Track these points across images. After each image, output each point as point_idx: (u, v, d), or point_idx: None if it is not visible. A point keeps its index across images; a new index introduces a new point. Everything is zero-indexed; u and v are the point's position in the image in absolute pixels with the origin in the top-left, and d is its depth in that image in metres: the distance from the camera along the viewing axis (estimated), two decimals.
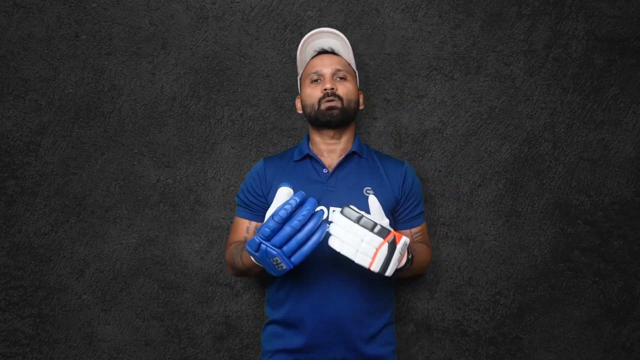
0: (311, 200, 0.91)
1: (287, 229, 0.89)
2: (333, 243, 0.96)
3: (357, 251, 0.93)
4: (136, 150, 1.55)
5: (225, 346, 1.54)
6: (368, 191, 1.20)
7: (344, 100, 1.21)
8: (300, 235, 0.90)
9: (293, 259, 0.91)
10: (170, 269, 1.55)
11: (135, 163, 1.55)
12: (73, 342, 1.54)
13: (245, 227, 1.26)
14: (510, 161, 1.54)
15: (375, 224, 0.93)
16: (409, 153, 1.55)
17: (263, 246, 0.91)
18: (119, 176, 1.55)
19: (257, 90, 1.55)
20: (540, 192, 1.54)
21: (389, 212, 1.22)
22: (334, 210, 1.16)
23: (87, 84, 1.54)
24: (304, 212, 0.89)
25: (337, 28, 1.53)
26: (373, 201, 1.02)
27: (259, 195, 1.25)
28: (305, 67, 1.29)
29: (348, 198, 1.17)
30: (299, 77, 1.33)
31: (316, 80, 1.23)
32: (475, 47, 1.54)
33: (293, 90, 1.55)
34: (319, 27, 1.53)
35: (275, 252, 0.90)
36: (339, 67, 1.23)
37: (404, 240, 0.95)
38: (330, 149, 1.26)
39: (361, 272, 1.14)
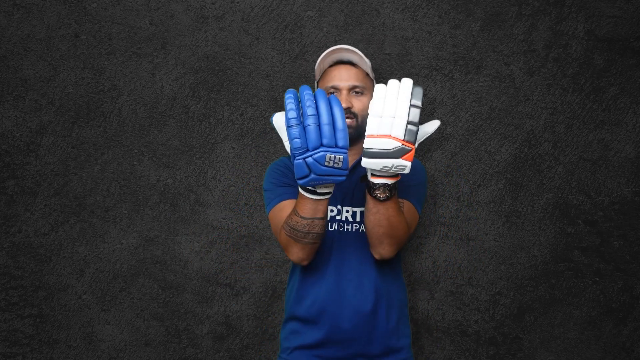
0: (304, 87, 0.87)
1: (309, 122, 0.84)
2: (378, 90, 0.89)
3: (378, 116, 0.88)
4: (136, 150, 1.55)
5: (225, 346, 1.54)
6: None
7: (359, 117, 1.22)
8: (324, 118, 0.84)
9: (340, 142, 0.86)
10: (170, 269, 1.55)
11: (135, 163, 1.55)
12: (73, 342, 1.54)
13: (293, 205, 1.14)
14: (510, 161, 1.54)
15: (416, 125, 0.87)
16: None
17: (309, 159, 0.85)
18: (119, 176, 1.55)
19: (257, 90, 1.55)
20: (540, 192, 1.53)
21: None
22: (347, 211, 1.19)
23: (87, 84, 1.54)
24: (305, 96, 0.85)
25: (337, 28, 1.53)
26: (435, 124, 1.00)
27: (292, 180, 1.20)
28: (323, 74, 1.29)
29: (361, 197, 1.19)
30: (316, 82, 1.34)
31: (332, 94, 1.24)
32: (475, 47, 1.54)
33: None
34: (319, 27, 1.54)
35: (322, 152, 0.85)
36: (356, 83, 1.24)
37: (407, 164, 0.90)
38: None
39: (378, 268, 1.18)
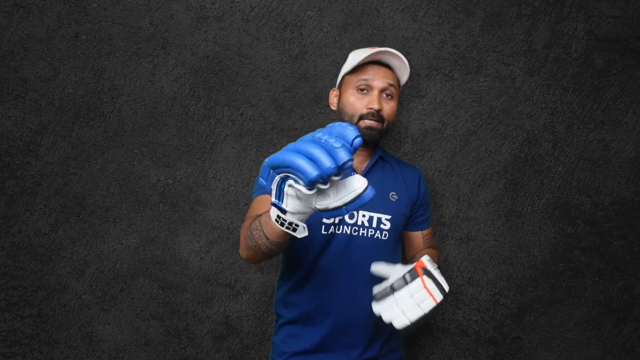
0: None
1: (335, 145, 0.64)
2: (399, 322, 0.95)
3: (418, 305, 0.95)
4: (136, 150, 1.55)
5: (225, 346, 1.54)
6: (393, 196, 1.22)
7: (385, 122, 1.19)
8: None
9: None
10: (170, 269, 1.55)
11: (135, 163, 1.55)
12: (73, 342, 1.54)
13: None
14: (510, 161, 1.54)
15: (404, 277, 0.96)
16: (409, 153, 1.55)
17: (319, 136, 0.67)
18: (119, 176, 1.55)
19: (257, 90, 1.55)
20: (540, 192, 1.53)
21: (407, 216, 1.25)
22: (363, 215, 1.17)
23: (87, 84, 1.54)
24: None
25: (337, 28, 1.53)
26: (376, 267, 1.07)
27: None
28: (356, 67, 1.21)
29: (376, 202, 1.19)
30: (343, 73, 1.25)
31: (363, 90, 1.18)
32: (475, 47, 1.54)
33: (293, 91, 1.55)
34: (319, 27, 1.53)
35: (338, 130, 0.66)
36: (391, 82, 1.19)
37: (427, 259, 0.98)
38: (357, 154, 1.25)
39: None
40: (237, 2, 1.54)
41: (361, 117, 1.17)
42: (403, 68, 1.23)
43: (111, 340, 1.54)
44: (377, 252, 1.16)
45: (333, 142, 0.65)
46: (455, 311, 1.53)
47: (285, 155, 0.66)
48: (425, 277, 0.95)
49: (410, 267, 0.99)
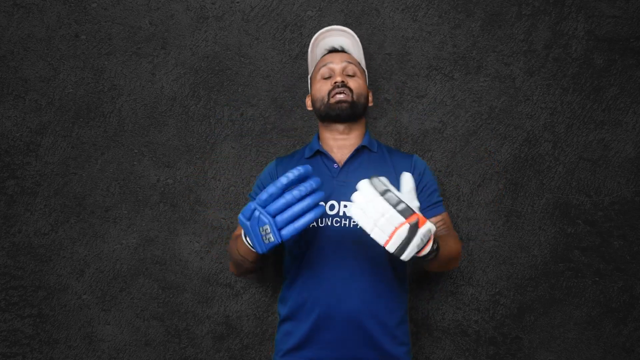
0: (316, 179, 0.89)
1: (287, 197, 0.86)
2: (353, 212, 0.90)
3: (375, 226, 0.88)
4: (136, 150, 1.55)
5: (225, 346, 1.54)
6: None
7: (354, 94, 1.21)
8: (297, 208, 0.87)
9: (284, 232, 0.88)
10: (170, 269, 1.55)
11: (135, 163, 1.55)
12: (73, 342, 1.54)
13: None
14: (510, 161, 1.54)
15: (400, 202, 0.87)
16: (409, 153, 1.55)
17: (257, 212, 0.88)
18: (119, 176, 1.55)
19: (257, 90, 1.55)
20: (540, 192, 1.53)
21: None
22: (345, 206, 1.16)
23: (87, 84, 1.54)
24: (307, 184, 0.87)
25: None
26: (407, 179, 0.98)
27: None
28: (316, 65, 1.31)
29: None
30: (309, 77, 1.35)
31: (327, 77, 1.25)
32: (475, 47, 1.54)
33: (293, 91, 1.55)
34: (320, 27, 1.53)
35: (267, 221, 0.87)
36: (349, 60, 1.26)
37: (428, 227, 0.89)
38: (339, 145, 1.26)
39: (379, 267, 1.15)
40: (237, 2, 1.54)
41: (329, 95, 1.22)
42: (354, 43, 1.31)
43: (111, 340, 1.54)
44: (363, 242, 1.13)
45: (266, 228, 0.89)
46: (455, 311, 1.53)
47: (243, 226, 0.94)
48: (406, 226, 0.86)
49: (416, 208, 0.92)
